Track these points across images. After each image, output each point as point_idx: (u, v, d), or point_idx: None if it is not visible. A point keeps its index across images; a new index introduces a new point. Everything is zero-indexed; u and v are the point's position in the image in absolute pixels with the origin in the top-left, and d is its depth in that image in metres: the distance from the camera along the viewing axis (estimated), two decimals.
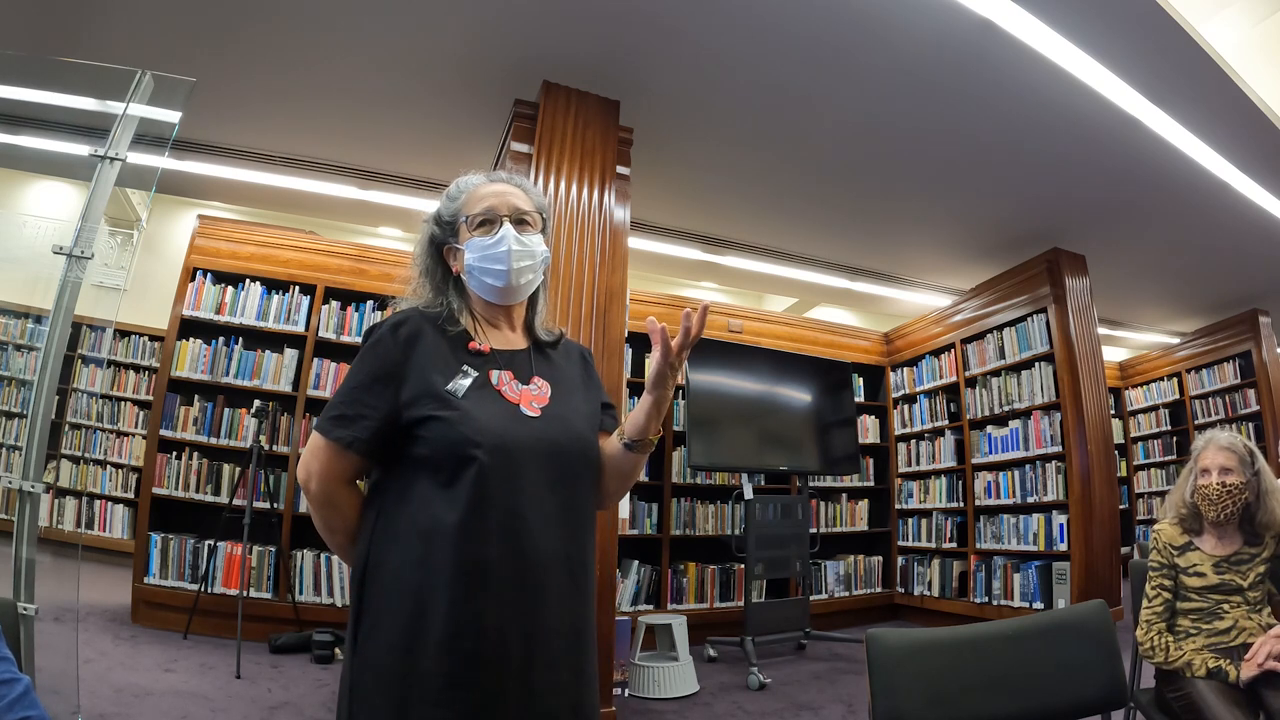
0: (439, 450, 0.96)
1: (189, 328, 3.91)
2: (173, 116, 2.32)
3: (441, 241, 1.15)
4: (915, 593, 5.00)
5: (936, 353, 5.31)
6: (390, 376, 1.00)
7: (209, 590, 3.53)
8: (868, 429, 5.48)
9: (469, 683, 0.90)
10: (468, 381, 1.02)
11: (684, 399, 4.17)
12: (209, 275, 3.97)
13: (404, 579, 0.94)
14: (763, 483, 4.71)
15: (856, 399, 5.11)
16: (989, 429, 4.79)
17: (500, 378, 1.05)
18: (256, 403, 3.80)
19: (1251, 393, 5.83)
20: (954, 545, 4.85)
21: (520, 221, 1.12)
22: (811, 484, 4.67)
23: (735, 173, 3.93)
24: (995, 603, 4.40)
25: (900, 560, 5.20)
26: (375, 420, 0.99)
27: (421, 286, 1.14)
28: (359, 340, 4.30)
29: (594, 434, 1.11)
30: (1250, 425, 5.79)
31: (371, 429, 0.98)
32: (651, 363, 1.07)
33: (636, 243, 4.55)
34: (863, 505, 5.28)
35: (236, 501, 3.58)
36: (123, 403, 5.46)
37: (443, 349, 1.04)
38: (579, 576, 1.02)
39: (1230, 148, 3.39)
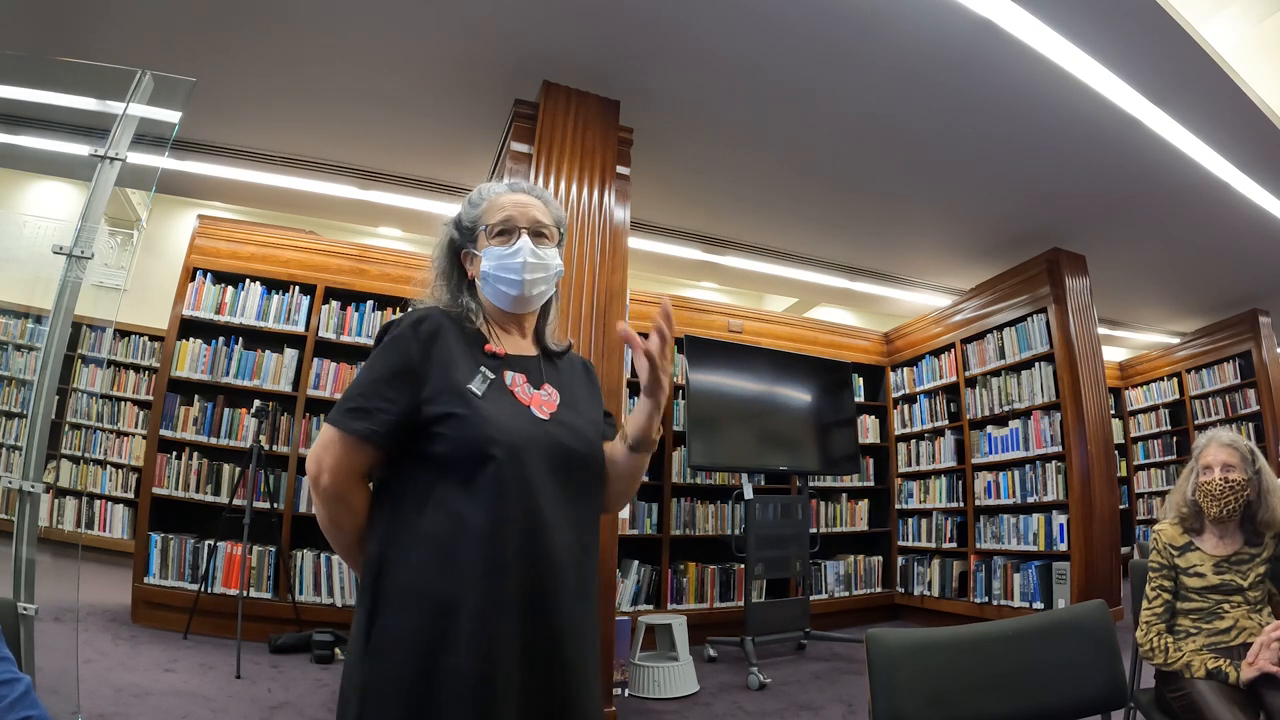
0: (458, 448, 0.96)
1: (189, 328, 3.91)
2: (173, 116, 2.32)
3: (460, 246, 1.17)
4: (915, 593, 5.00)
5: (936, 353, 5.31)
6: (410, 372, 1.00)
7: (209, 590, 3.53)
8: (868, 429, 5.48)
9: (489, 681, 0.90)
10: (485, 382, 1.03)
11: (684, 399, 4.17)
12: (209, 275, 3.97)
13: (425, 580, 0.94)
14: (763, 483, 4.71)
15: (856, 399, 5.11)
16: (989, 429, 4.79)
17: (514, 379, 1.07)
18: (256, 403, 3.80)
19: (1251, 393, 5.82)
20: (954, 545, 4.85)
21: (537, 234, 1.13)
22: (811, 484, 4.66)
23: (735, 173, 3.92)
24: (995, 603, 4.40)
25: (900, 560, 5.20)
26: (394, 414, 0.98)
27: (438, 288, 1.15)
28: (359, 340, 4.28)
29: (599, 441, 1.13)
30: (1250, 425, 5.79)
31: (390, 422, 0.98)
32: (639, 369, 1.07)
33: (636, 243, 4.55)
34: (863, 505, 5.28)
35: (236, 501, 3.58)
36: (123, 403, 5.46)
37: (461, 348, 1.05)
38: (586, 579, 1.03)
39: (1230, 148, 3.39)
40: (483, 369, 1.04)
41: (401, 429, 0.99)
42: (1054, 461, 4.28)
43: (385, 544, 0.98)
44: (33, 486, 1.98)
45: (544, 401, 1.08)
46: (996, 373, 4.78)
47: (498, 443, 0.96)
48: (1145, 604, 1.87)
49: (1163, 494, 6.65)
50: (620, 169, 3.12)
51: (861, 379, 5.54)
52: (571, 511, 1.02)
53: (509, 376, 1.07)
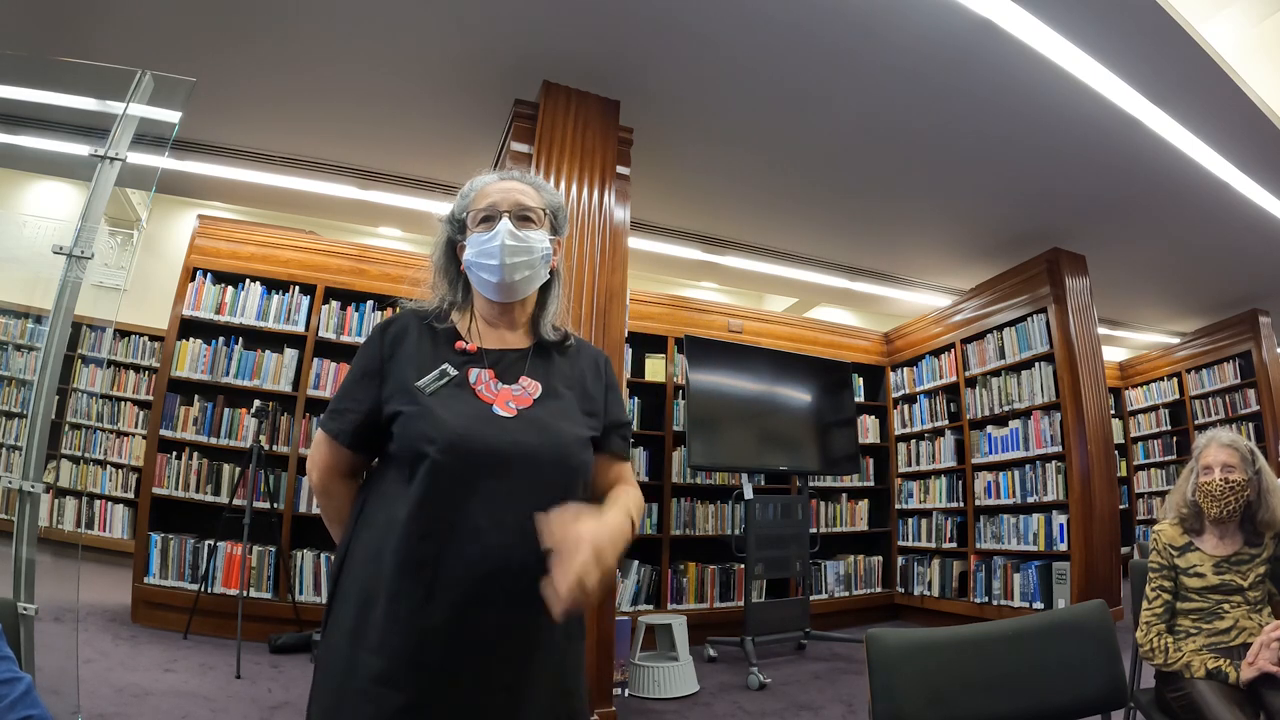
0: (401, 446, 0.98)
1: (189, 328, 3.91)
2: (173, 116, 2.32)
3: (453, 240, 1.15)
4: (915, 593, 5.00)
5: (936, 353, 5.31)
6: (375, 373, 1.04)
7: (209, 590, 3.53)
8: (868, 429, 5.48)
9: (396, 682, 0.88)
10: (443, 379, 1.01)
11: (684, 399, 4.17)
12: (209, 275, 3.97)
13: (360, 572, 0.97)
14: (763, 483, 4.71)
15: (856, 399, 5.11)
16: (989, 429, 4.79)
17: (480, 376, 1.03)
18: (256, 403, 3.80)
19: (1251, 393, 5.82)
20: (954, 545, 4.85)
21: (523, 218, 1.09)
22: (811, 484, 4.66)
23: (735, 173, 3.92)
24: (995, 603, 4.40)
25: (900, 560, 5.20)
26: (358, 414, 1.03)
27: (438, 284, 1.15)
28: (359, 340, 4.34)
29: (580, 440, 1.04)
30: (1250, 425, 5.79)
31: (355, 422, 1.03)
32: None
33: (636, 243, 4.55)
34: (863, 505, 5.28)
35: (236, 501, 3.58)
36: (123, 403, 5.46)
37: (426, 347, 1.05)
38: (534, 588, 0.89)
39: (1230, 148, 3.39)
40: (444, 367, 1.02)
41: (368, 429, 1.03)
42: (1054, 461, 4.28)
43: (349, 537, 1.01)
44: (33, 486, 1.98)
45: (514, 397, 1.03)
46: (996, 373, 4.77)
47: (432, 440, 0.94)
48: (1145, 604, 1.87)
49: (1163, 494, 6.65)
50: (620, 169, 3.12)
51: (861, 379, 5.54)
52: (527, 513, 0.91)
53: (474, 373, 1.03)
